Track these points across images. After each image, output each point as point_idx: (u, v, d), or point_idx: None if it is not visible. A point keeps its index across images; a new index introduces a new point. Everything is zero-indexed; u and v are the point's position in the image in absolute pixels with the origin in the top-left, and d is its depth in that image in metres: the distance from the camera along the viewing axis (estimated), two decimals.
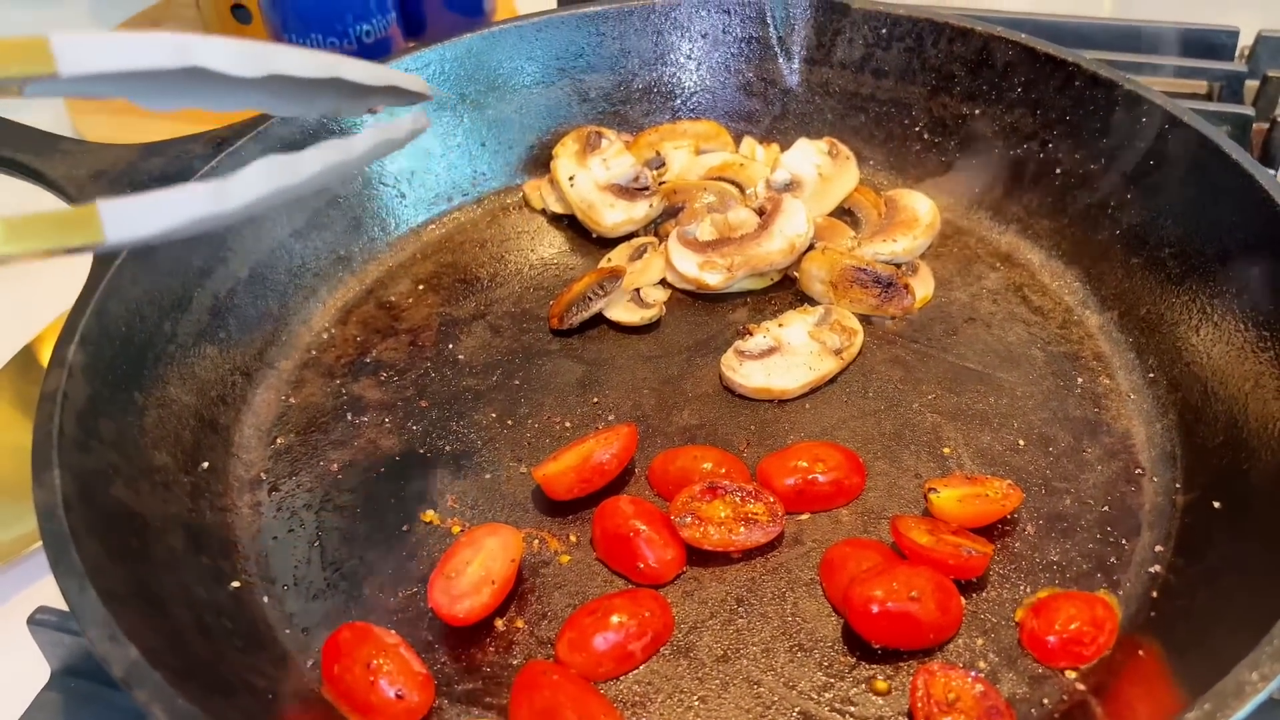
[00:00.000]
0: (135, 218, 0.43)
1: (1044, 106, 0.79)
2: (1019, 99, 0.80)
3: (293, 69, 0.47)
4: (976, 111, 0.82)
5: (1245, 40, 1.03)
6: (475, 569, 0.58)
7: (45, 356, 0.70)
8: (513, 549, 0.59)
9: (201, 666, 0.50)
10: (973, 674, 0.52)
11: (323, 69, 0.49)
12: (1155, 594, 0.57)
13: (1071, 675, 0.54)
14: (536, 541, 0.62)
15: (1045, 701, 0.53)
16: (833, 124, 0.88)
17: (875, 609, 0.54)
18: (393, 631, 0.56)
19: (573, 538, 0.62)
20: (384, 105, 0.56)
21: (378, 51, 1.02)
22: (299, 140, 0.77)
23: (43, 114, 1.10)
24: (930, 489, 0.60)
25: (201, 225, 0.45)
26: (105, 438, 0.58)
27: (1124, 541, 0.60)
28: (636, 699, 0.54)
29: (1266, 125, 0.95)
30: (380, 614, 0.59)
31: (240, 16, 1.12)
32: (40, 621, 0.59)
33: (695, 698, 0.54)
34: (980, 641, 0.56)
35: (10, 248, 0.41)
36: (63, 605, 0.55)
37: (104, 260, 0.65)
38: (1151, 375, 0.69)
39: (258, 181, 0.46)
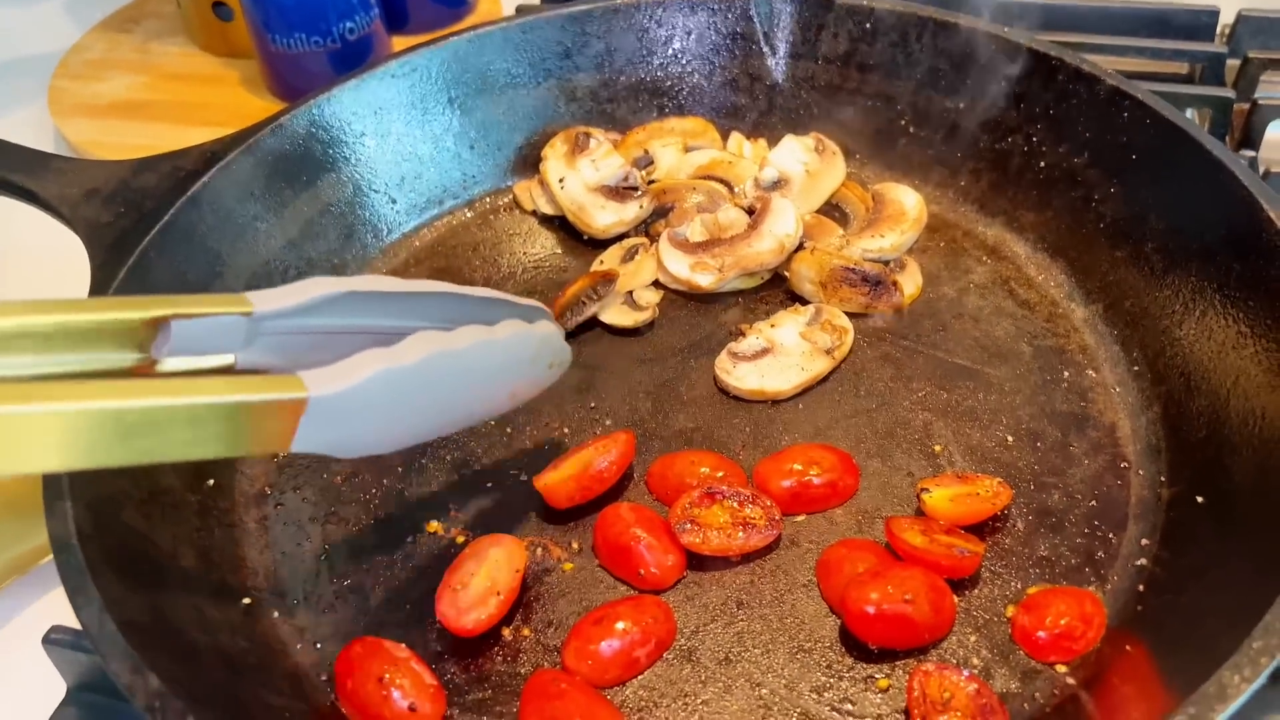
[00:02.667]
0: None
1: (1028, 100, 0.80)
2: (1003, 93, 0.81)
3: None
4: (961, 105, 0.83)
5: (1226, 19, 1.03)
6: (480, 580, 0.59)
7: None
8: (516, 559, 0.60)
9: (220, 691, 0.51)
10: (966, 673, 0.54)
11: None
12: (1142, 588, 0.59)
13: (1062, 669, 0.56)
14: (539, 550, 0.64)
15: (1037, 696, 0.55)
16: (819, 118, 0.88)
17: (871, 611, 0.56)
18: (403, 645, 0.57)
19: (575, 545, 0.64)
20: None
21: (361, 48, 1.02)
22: (289, 151, 0.78)
23: (26, 115, 1.10)
24: (923, 489, 0.62)
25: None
26: None
27: (1111, 536, 0.62)
28: (642, 704, 0.56)
29: (1247, 107, 0.96)
30: (389, 626, 0.60)
31: (221, 14, 1.11)
32: (55, 641, 0.60)
33: (699, 701, 0.56)
34: (973, 638, 0.58)
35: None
36: (75, 623, 0.57)
37: (102, 282, 0.66)
38: (1136, 368, 0.70)
39: None
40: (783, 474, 0.65)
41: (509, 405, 0.62)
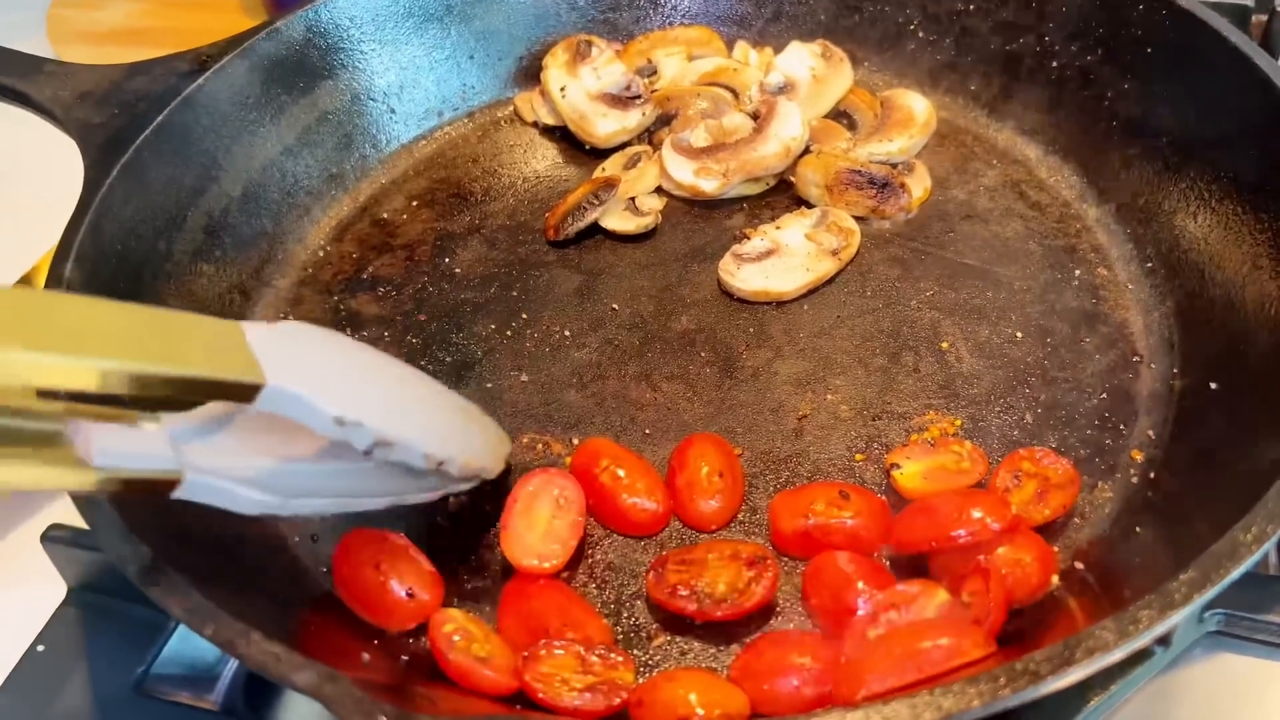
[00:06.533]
0: None
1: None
2: None
3: None
4: (971, 8, 0.81)
5: None
6: None
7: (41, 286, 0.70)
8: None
9: (215, 570, 0.51)
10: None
11: None
12: (1153, 475, 0.57)
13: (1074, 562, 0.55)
14: (540, 445, 0.63)
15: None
16: (826, 25, 0.86)
17: None
18: (400, 534, 0.57)
19: (574, 441, 0.63)
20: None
21: None
22: (285, 57, 0.76)
23: (26, 46, 1.09)
24: (893, 465, 0.58)
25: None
26: None
27: (1122, 427, 0.60)
28: None
29: (1266, 16, 0.93)
30: (388, 521, 0.59)
31: None
32: (54, 538, 0.60)
33: None
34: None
35: None
36: (74, 523, 0.57)
37: (96, 180, 0.65)
38: (1149, 264, 0.69)
39: None
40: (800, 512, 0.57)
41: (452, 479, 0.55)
